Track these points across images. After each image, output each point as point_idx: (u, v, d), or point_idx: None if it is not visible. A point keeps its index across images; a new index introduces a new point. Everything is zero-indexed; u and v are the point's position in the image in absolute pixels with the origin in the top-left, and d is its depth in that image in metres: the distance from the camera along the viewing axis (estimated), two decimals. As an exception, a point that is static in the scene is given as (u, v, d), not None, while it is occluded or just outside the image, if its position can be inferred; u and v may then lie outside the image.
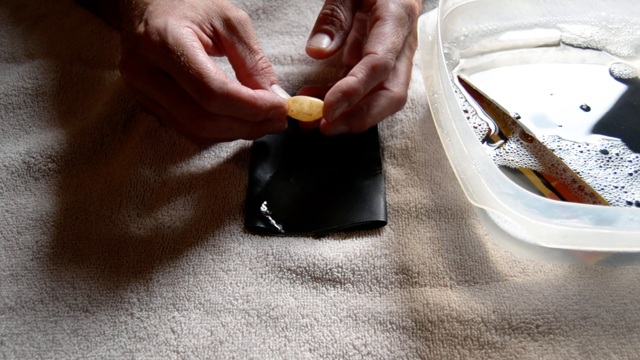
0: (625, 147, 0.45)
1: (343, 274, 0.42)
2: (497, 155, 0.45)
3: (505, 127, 0.47)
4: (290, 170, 0.48)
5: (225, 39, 0.45)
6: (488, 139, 0.46)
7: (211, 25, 0.45)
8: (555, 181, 0.44)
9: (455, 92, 0.49)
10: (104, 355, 0.39)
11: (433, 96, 0.43)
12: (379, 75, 0.44)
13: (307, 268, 0.42)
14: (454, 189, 0.46)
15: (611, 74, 0.50)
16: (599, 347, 0.38)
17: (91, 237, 0.45)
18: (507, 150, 0.45)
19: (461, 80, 0.50)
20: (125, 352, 0.39)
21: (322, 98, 0.44)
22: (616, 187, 0.43)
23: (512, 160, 0.45)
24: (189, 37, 0.42)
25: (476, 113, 0.48)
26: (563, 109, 0.48)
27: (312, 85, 0.52)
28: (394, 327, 0.40)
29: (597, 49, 0.53)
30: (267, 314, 0.41)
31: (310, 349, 0.39)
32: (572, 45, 0.53)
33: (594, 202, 0.42)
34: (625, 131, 0.46)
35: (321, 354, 0.39)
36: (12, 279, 0.43)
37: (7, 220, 0.46)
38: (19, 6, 0.61)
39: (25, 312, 0.41)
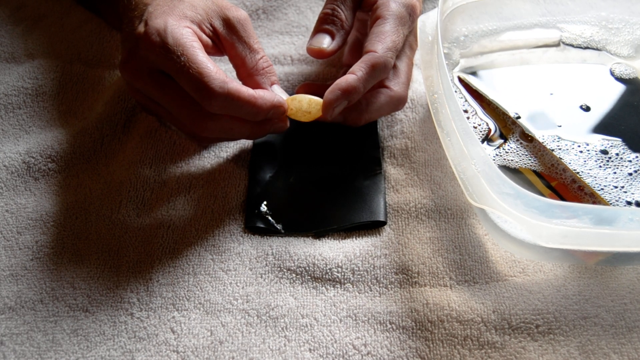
0: (625, 147, 0.45)
1: (343, 274, 0.42)
2: (497, 155, 0.45)
3: (505, 127, 0.47)
4: (290, 171, 0.48)
5: (225, 39, 0.45)
6: (488, 139, 0.46)
7: (211, 25, 0.45)
8: (555, 181, 0.44)
9: (455, 92, 0.49)
10: (103, 355, 0.39)
11: (433, 96, 0.43)
12: (379, 73, 0.44)
13: (307, 268, 0.42)
14: (453, 189, 0.46)
15: (612, 74, 0.50)
16: (598, 347, 0.38)
17: (91, 237, 0.45)
18: (507, 150, 0.45)
19: (461, 80, 0.50)
20: (125, 352, 0.39)
21: (321, 96, 0.44)
22: (616, 187, 0.43)
23: (512, 160, 0.45)
24: (188, 37, 0.42)
25: (476, 113, 0.48)
26: (563, 109, 0.48)
27: (311, 82, 0.52)
28: (394, 327, 0.40)
29: (597, 49, 0.52)
30: (267, 314, 0.41)
31: (310, 349, 0.39)
32: (572, 46, 0.53)
33: (594, 202, 0.42)
34: (625, 131, 0.46)
35: (321, 354, 0.39)
36: (12, 279, 0.43)
37: (7, 220, 0.46)
38: (19, 6, 0.60)
39: (25, 312, 0.41)
